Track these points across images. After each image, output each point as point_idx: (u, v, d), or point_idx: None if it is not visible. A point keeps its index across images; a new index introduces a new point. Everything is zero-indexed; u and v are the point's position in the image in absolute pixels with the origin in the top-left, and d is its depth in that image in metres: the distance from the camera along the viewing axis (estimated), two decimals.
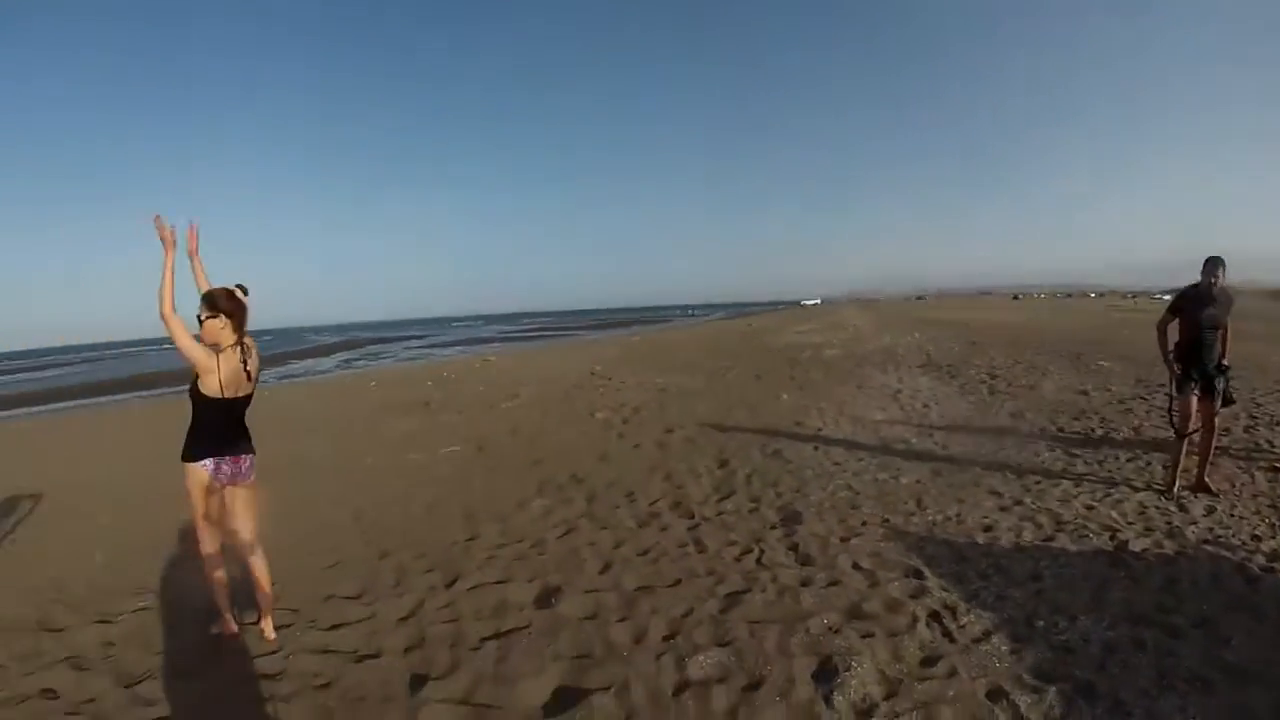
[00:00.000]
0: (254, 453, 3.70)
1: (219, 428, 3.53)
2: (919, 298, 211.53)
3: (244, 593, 3.99)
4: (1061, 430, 7.32)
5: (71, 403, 22.11)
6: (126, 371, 38.26)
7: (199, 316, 3.46)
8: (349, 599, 4.15)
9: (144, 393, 23.11)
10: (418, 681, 3.25)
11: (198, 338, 3.41)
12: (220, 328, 3.47)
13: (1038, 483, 5.49)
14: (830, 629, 3.33)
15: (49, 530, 6.48)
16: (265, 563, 3.80)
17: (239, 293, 3.56)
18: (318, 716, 3.08)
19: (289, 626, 3.91)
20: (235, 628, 3.78)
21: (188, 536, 5.55)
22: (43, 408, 20.35)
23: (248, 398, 3.60)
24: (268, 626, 3.78)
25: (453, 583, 4.26)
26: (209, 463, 3.51)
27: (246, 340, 3.58)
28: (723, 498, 5.35)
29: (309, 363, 33.37)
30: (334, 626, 3.85)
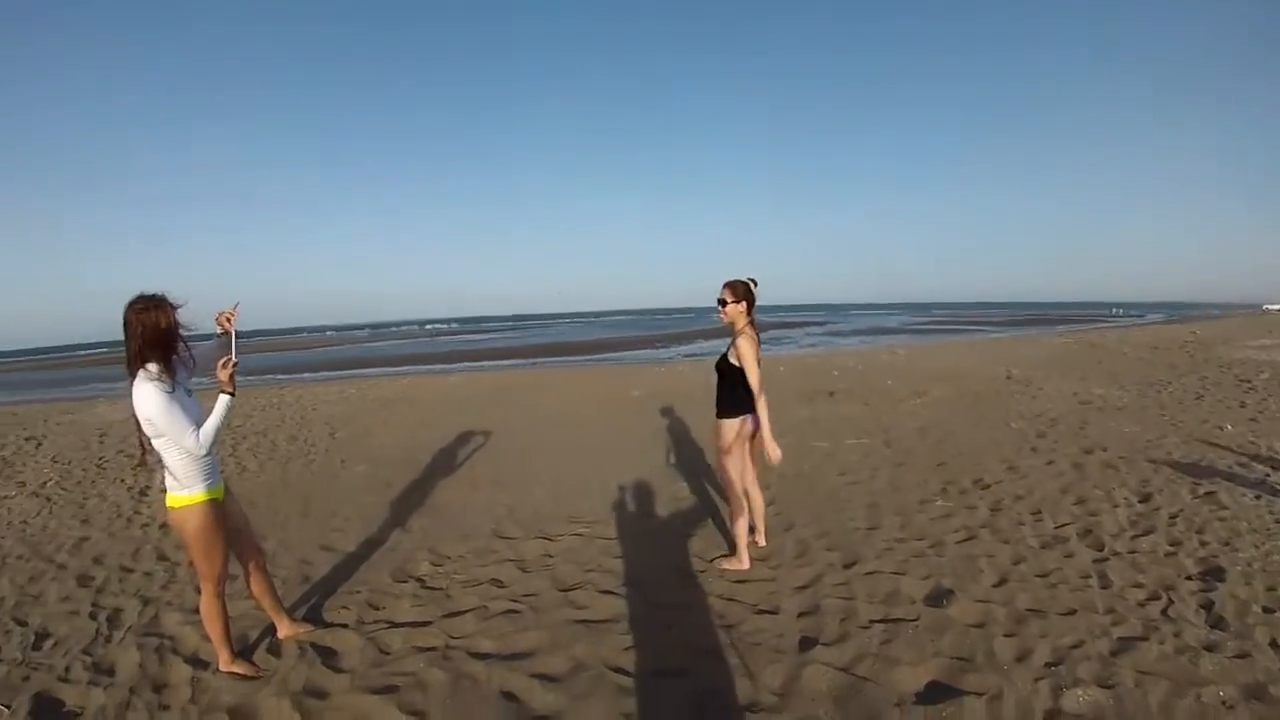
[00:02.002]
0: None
1: (743, 393, 4.49)
2: None
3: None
4: None
5: (518, 361, 26.16)
6: (548, 339, 44.02)
7: (721, 300, 4.53)
8: (756, 560, 4.77)
9: (569, 358, 26.71)
10: (807, 643, 3.71)
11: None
12: (740, 311, 4.51)
13: None
14: (1224, 703, 3.12)
15: (505, 462, 8.07)
16: (760, 493, 4.95)
17: (752, 284, 4.55)
18: (715, 648, 3.70)
19: (701, 573, 4.67)
20: (745, 558, 4.73)
21: (609, 483, 6.70)
22: (493, 364, 24.27)
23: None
24: (760, 537, 5.04)
25: (851, 565, 4.68)
26: (746, 418, 4.54)
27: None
28: (1138, 535, 5.06)
29: (715, 343, 35.03)
30: (739, 581, 4.50)
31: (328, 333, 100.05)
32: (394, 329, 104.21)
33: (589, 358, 28.77)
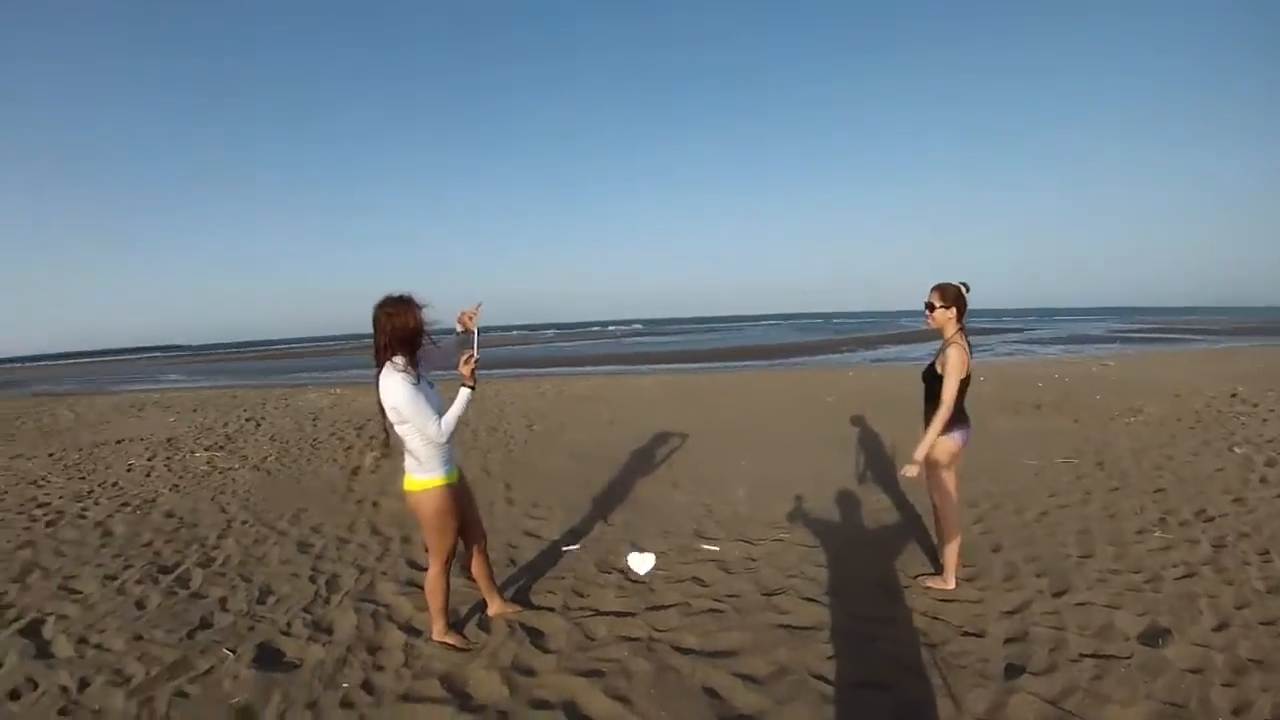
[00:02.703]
0: None
1: (962, 407, 4.42)
2: None
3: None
4: None
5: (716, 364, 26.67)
6: (735, 342, 44.20)
7: (929, 304, 4.41)
8: (962, 580, 4.76)
9: (757, 362, 26.79)
10: (1013, 670, 3.70)
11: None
12: (949, 317, 4.37)
13: None
14: None
15: (701, 462, 8.34)
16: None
17: (964, 289, 4.39)
18: (917, 666, 3.77)
19: (905, 588, 4.72)
20: (952, 579, 4.72)
21: (807, 489, 6.97)
22: (681, 366, 24.76)
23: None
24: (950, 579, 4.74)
25: (1061, 593, 4.59)
26: (961, 434, 4.46)
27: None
28: None
29: (901, 348, 34.17)
30: (944, 600, 4.52)
31: (514, 332, 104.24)
32: (580, 329, 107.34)
33: (777, 361, 28.70)
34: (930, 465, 4.51)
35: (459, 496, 3.97)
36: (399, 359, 3.65)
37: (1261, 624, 4.16)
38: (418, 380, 3.67)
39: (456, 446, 4.03)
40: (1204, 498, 6.55)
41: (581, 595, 4.79)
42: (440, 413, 3.72)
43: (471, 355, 3.87)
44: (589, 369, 27.57)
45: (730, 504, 6.78)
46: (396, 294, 3.67)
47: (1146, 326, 57.52)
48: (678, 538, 5.82)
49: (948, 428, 4.38)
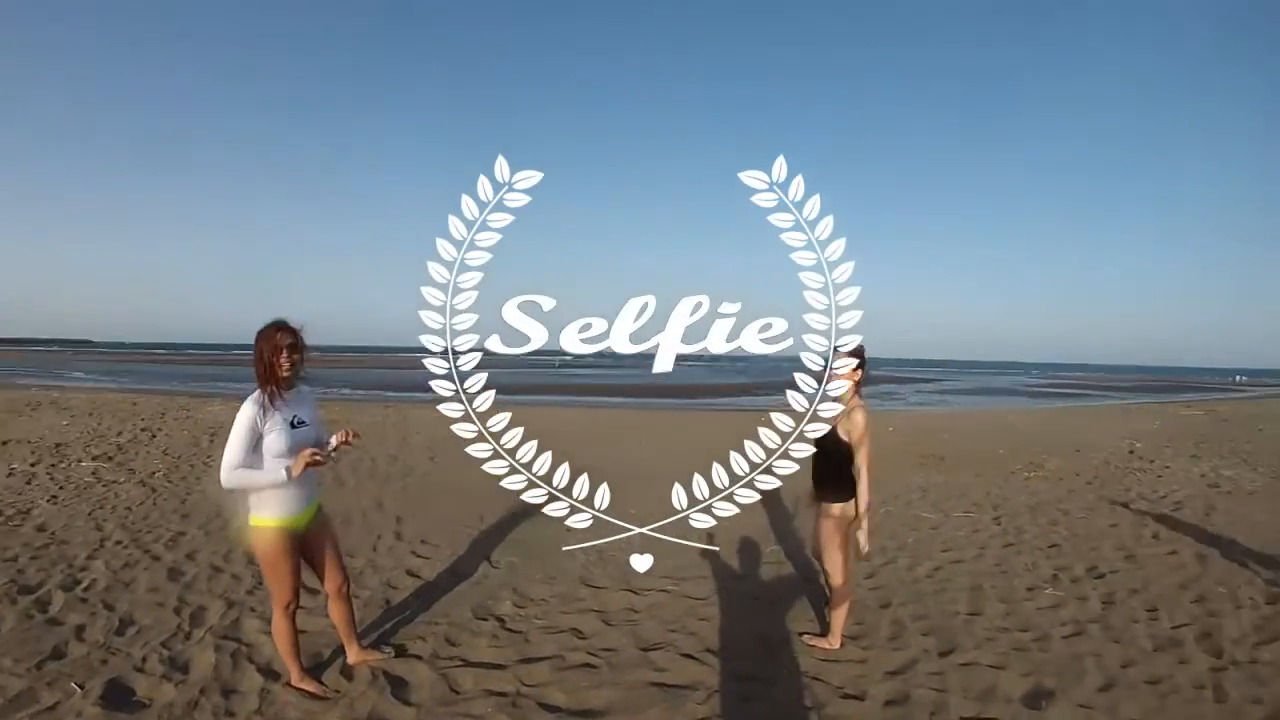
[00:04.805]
0: None
1: (850, 473, 4.30)
2: None
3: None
4: None
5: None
6: (656, 380, 44.66)
7: (837, 365, 4.28)
8: (847, 638, 4.57)
9: (680, 400, 26.80)
10: None
11: None
12: (856, 379, 4.33)
13: None
14: None
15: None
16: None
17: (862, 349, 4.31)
18: None
19: (789, 646, 4.52)
20: (838, 639, 4.51)
21: (728, 539, 6.52)
22: (601, 399, 24.49)
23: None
24: (835, 639, 4.51)
25: (947, 653, 4.44)
26: (854, 502, 4.31)
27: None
28: (1262, 642, 4.66)
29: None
30: (828, 660, 4.34)
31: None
32: (518, 356, 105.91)
33: (693, 402, 28.82)
34: (824, 530, 4.37)
35: (298, 541, 3.69)
36: (262, 390, 3.43)
37: (1147, 683, 4.09)
38: (265, 415, 3.40)
39: (317, 486, 3.80)
40: (1097, 554, 6.55)
41: (453, 644, 4.49)
42: (286, 456, 3.44)
43: (318, 454, 3.53)
44: (508, 398, 26.98)
45: (625, 549, 6.50)
46: (272, 320, 3.46)
47: (1059, 382, 59.72)
48: (562, 585, 5.57)
49: (840, 494, 4.26)
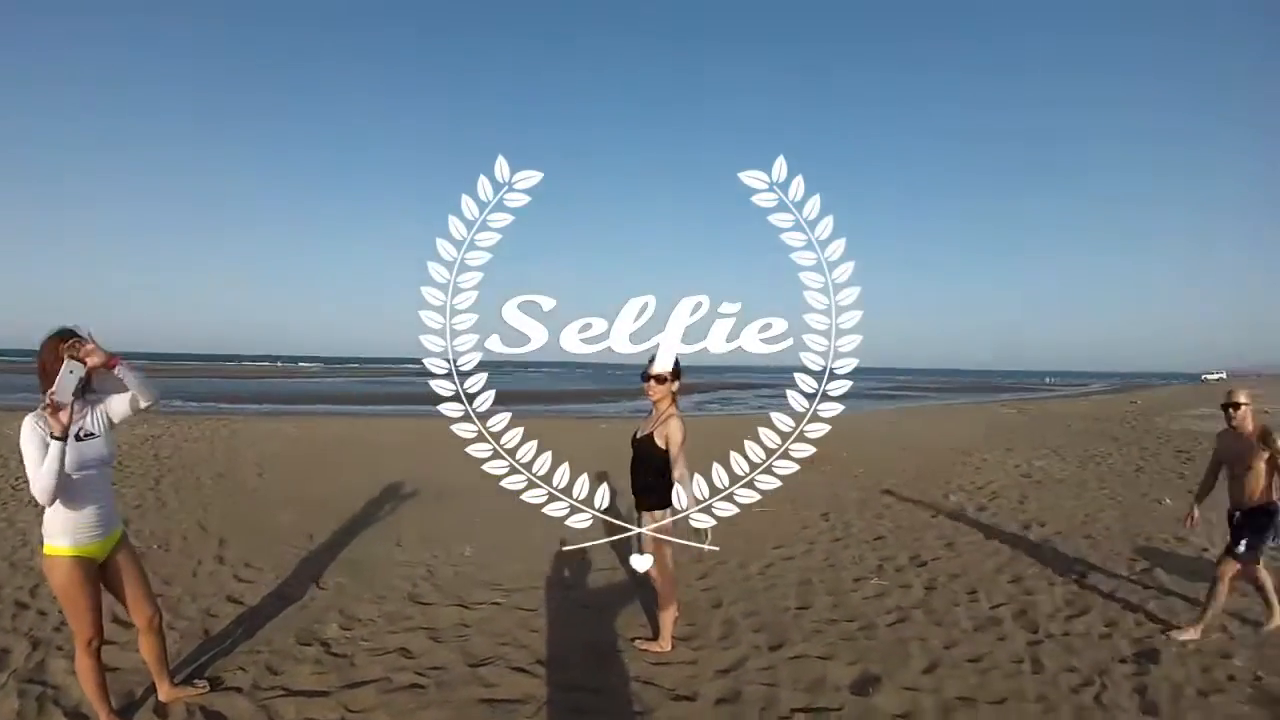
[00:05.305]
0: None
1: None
2: None
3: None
4: None
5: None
6: (506, 386, 44.05)
7: (655, 376, 4.25)
8: (678, 640, 4.51)
9: (523, 407, 26.41)
10: None
11: None
12: (673, 390, 4.33)
13: None
14: None
15: (434, 517, 7.79)
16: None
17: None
18: None
19: (620, 652, 4.42)
20: (669, 642, 4.44)
21: (538, 546, 6.54)
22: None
23: None
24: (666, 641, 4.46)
25: (777, 647, 4.45)
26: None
27: None
28: (1074, 615, 4.95)
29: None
30: (659, 663, 4.25)
31: (276, 363, 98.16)
32: (373, 364, 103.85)
33: (535, 408, 28.36)
34: (646, 536, 4.31)
35: (96, 572, 3.31)
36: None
37: (968, 661, 4.22)
38: (50, 431, 2.98)
39: (114, 514, 3.40)
40: (920, 544, 6.80)
41: (275, 672, 4.16)
42: (76, 470, 3.09)
43: (53, 396, 2.92)
44: (354, 409, 25.84)
45: (454, 564, 6.23)
46: (56, 329, 3.10)
47: (894, 385, 62.86)
48: (391, 603, 5.24)
49: (667, 500, 4.19)
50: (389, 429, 16.97)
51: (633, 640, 4.56)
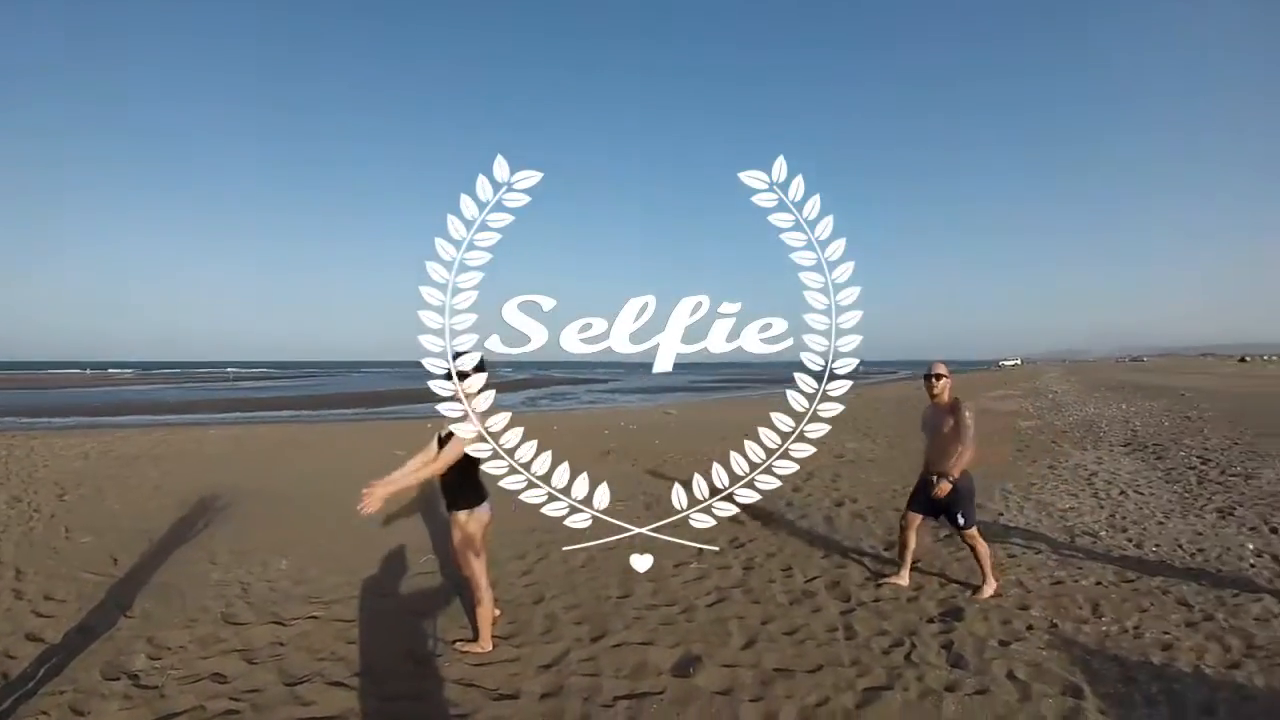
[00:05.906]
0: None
1: (477, 478, 4.28)
2: (1135, 359, 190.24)
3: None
4: (1276, 531, 6.54)
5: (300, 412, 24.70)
6: (335, 389, 42.44)
7: (461, 373, 4.16)
8: (500, 638, 4.45)
9: (347, 410, 25.45)
10: None
11: None
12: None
13: (1235, 596, 4.93)
14: None
15: (249, 531, 7.34)
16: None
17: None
18: None
19: (439, 657, 4.30)
20: (488, 642, 4.37)
21: (356, 554, 6.34)
22: (268, 414, 22.61)
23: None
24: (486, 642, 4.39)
25: (599, 638, 4.45)
26: (485, 505, 4.27)
27: None
28: (882, 583, 5.21)
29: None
30: (481, 664, 4.17)
31: (87, 371, 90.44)
32: (188, 369, 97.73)
33: (370, 410, 27.40)
34: (457, 536, 4.24)
35: None
36: None
37: (785, 635, 4.36)
38: None
39: None
40: (738, 527, 6.89)
41: (80, 712, 3.78)
42: None
43: None
44: (157, 419, 23.66)
45: (269, 579, 5.85)
46: None
47: (718, 378, 64.60)
48: (203, 626, 4.86)
49: (470, 501, 4.19)
50: (206, 439, 15.77)
51: (453, 643, 4.43)
